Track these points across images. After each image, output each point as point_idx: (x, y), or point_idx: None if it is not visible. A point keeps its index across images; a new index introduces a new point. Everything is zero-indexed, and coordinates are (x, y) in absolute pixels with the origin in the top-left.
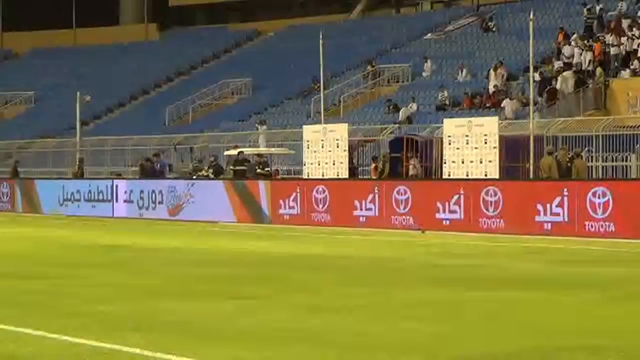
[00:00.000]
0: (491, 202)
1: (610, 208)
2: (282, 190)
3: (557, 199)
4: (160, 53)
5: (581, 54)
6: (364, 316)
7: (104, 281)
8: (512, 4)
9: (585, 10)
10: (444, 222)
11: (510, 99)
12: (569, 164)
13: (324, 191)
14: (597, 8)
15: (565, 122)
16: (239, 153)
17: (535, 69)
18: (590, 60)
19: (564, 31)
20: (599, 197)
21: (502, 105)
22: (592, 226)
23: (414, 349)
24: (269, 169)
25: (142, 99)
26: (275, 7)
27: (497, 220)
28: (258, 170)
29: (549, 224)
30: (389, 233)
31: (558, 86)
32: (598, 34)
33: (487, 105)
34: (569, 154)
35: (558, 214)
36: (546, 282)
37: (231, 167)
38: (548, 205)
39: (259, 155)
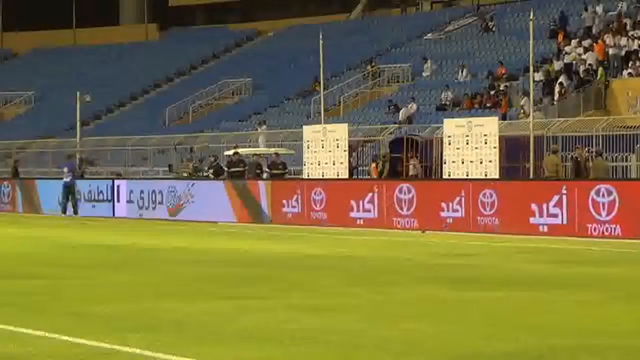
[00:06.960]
0: (488, 202)
1: (610, 208)
2: (282, 191)
3: (555, 198)
4: (160, 53)
5: (581, 54)
6: (364, 316)
7: (104, 281)
8: (512, 4)
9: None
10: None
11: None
12: (587, 163)
13: (324, 191)
14: (597, 8)
15: (565, 122)
16: (234, 154)
17: (536, 69)
18: (590, 61)
19: (563, 31)
20: (602, 196)
21: (521, 103)
22: (592, 227)
23: (414, 349)
24: (280, 168)
25: (142, 99)
26: (275, 7)
27: (497, 220)
28: (274, 172)
29: (549, 225)
30: (389, 233)
31: (558, 86)
32: (598, 34)
33: (487, 105)
34: (587, 153)
35: (556, 215)
36: (546, 282)
37: (226, 169)
38: (549, 206)
39: (276, 154)
